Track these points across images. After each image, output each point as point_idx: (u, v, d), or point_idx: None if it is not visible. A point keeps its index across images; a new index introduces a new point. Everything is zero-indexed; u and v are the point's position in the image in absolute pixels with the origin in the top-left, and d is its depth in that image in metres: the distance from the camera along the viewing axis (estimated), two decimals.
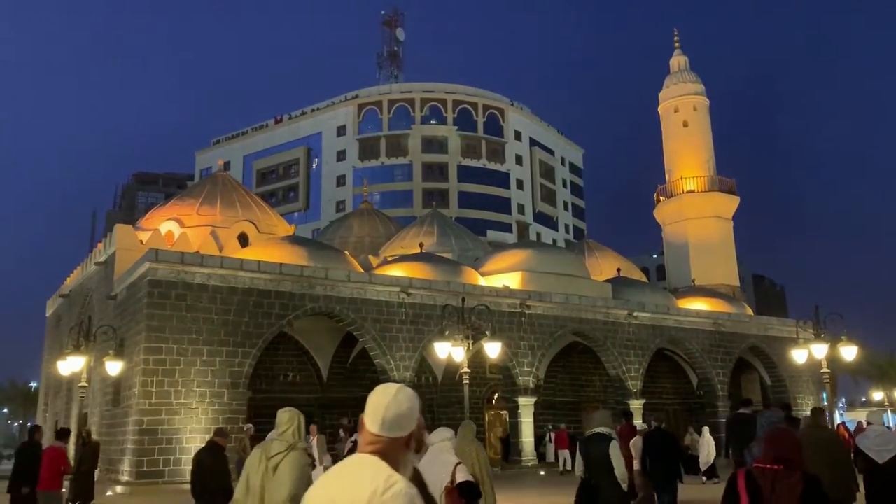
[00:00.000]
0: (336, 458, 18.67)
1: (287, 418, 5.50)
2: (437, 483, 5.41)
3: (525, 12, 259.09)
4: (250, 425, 20.11)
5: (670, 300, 34.38)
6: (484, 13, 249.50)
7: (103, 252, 27.32)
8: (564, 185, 79.15)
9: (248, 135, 76.64)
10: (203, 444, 9.45)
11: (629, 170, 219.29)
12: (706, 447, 21.53)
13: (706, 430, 22.81)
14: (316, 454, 20.40)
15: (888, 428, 9.32)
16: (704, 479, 20.64)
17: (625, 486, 7.50)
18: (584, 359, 32.91)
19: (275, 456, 5.27)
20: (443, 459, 5.70)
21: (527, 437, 26.90)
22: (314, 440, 20.86)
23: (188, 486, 9.25)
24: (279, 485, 5.15)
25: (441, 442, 5.88)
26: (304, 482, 5.12)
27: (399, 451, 2.48)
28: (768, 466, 3.69)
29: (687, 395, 36.39)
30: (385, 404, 2.47)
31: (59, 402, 31.36)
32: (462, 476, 5.67)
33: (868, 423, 9.34)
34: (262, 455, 5.34)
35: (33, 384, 56.33)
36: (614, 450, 7.44)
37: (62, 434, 12.01)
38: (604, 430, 7.70)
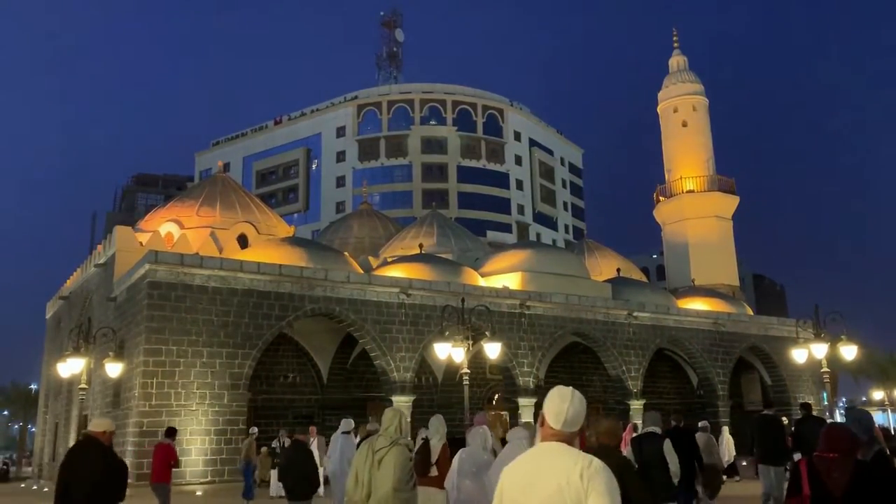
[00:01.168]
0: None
1: (390, 417, 6.21)
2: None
3: (524, 13, 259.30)
4: (255, 428, 20.17)
5: (670, 300, 34.39)
6: (483, 14, 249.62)
7: (103, 254, 27.31)
8: (564, 185, 79.18)
9: (247, 136, 76.67)
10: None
11: (629, 170, 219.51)
12: (726, 446, 21.68)
13: (726, 429, 23.04)
14: (316, 455, 20.48)
15: None
16: (725, 476, 20.76)
17: (676, 481, 8.11)
18: (585, 359, 32.91)
19: (380, 450, 5.94)
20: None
21: None
22: (314, 441, 20.94)
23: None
24: (384, 476, 5.82)
25: (518, 440, 7.04)
26: (407, 473, 5.92)
27: (574, 441, 3.12)
28: (826, 455, 4.42)
29: (687, 394, 36.38)
30: (566, 407, 3.11)
31: (59, 403, 31.35)
32: None
33: None
34: (369, 450, 6.01)
35: (33, 386, 56.28)
36: (668, 447, 8.04)
37: (170, 433, 13.45)
38: (656, 429, 8.42)
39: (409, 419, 5.89)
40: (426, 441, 9.35)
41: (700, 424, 15.90)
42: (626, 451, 8.82)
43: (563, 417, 3.09)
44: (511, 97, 74.92)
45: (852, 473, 4.30)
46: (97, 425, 6.69)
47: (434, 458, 8.47)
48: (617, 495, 2.91)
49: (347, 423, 12.85)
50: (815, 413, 14.52)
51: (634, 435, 9.60)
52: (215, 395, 20.73)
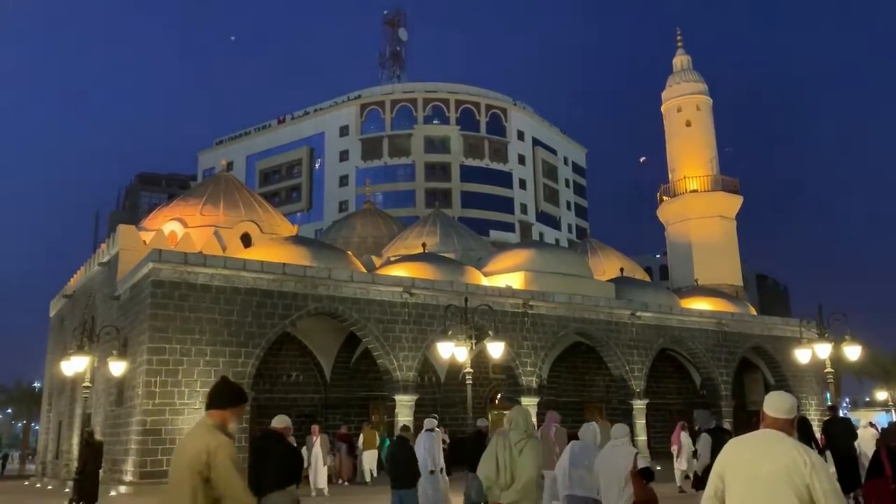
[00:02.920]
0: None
1: (519, 414, 7.24)
2: (623, 466, 7.69)
3: (527, 12, 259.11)
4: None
5: (673, 300, 34.34)
6: (486, 13, 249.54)
7: (106, 252, 27.34)
8: (567, 184, 79.11)
9: (250, 135, 76.72)
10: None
11: (632, 169, 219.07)
12: None
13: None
14: (319, 453, 20.51)
15: None
16: None
17: (701, 473, 9.12)
18: (588, 359, 32.88)
19: (518, 442, 6.94)
20: (625, 450, 7.84)
21: None
22: (317, 440, 20.96)
23: None
24: (525, 464, 6.80)
25: (621, 438, 8.01)
26: (540, 462, 7.01)
27: (790, 429, 4.03)
28: None
29: (690, 394, 36.34)
30: (784, 398, 4.15)
31: (62, 402, 31.40)
32: (641, 463, 7.82)
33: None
34: (506, 442, 6.99)
35: (37, 384, 56.42)
36: (703, 443, 9.12)
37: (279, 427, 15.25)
38: (727, 425, 9.20)
39: (530, 417, 7.58)
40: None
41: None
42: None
43: (785, 407, 4.07)
44: (514, 96, 74.92)
45: None
46: (279, 421, 8.24)
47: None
48: (836, 484, 3.82)
49: (431, 422, 13.56)
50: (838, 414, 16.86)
51: (711, 427, 10.31)
52: None
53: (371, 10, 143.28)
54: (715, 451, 8.31)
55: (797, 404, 4.22)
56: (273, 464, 7.52)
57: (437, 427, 13.90)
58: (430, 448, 12.87)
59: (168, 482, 4.35)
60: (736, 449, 4.04)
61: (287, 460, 7.71)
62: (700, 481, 8.93)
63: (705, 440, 8.95)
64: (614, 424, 8.43)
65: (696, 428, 18.60)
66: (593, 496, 8.19)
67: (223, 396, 4.53)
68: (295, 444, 8.81)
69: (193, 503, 4.08)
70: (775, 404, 4.08)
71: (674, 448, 20.49)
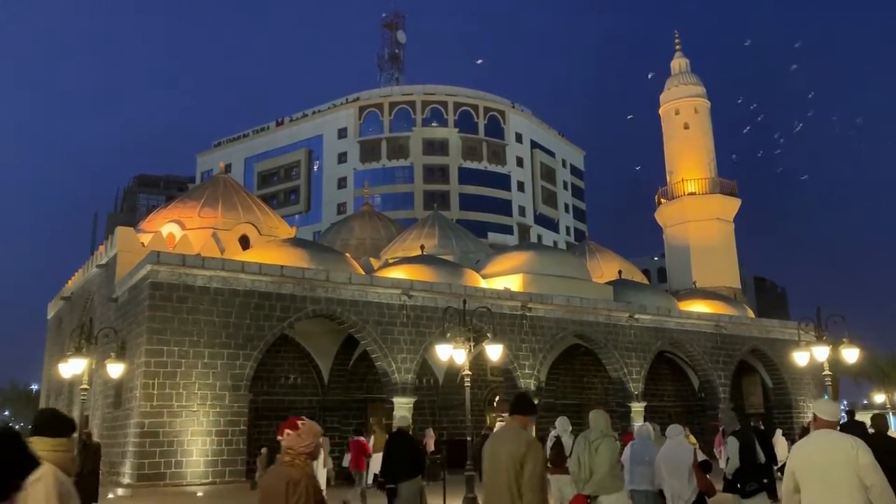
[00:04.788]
0: None
1: (597, 416, 8.28)
2: (686, 460, 8.95)
3: (526, 14, 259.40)
4: (265, 449, 20.14)
5: (672, 302, 34.36)
6: (485, 15, 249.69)
7: (104, 254, 27.33)
8: (565, 187, 79.17)
9: (249, 137, 76.70)
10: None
11: (630, 172, 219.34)
12: (782, 449, 22.19)
13: (779, 431, 23.56)
14: (321, 456, 20.52)
15: None
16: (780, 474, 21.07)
17: (730, 475, 9.19)
18: (586, 361, 32.88)
19: (594, 441, 7.93)
20: (686, 447, 9.27)
21: None
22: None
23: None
24: (601, 460, 7.79)
25: (677, 436, 9.29)
26: (616, 458, 8.09)
27: (835, 427, 5.23)
28: None
29: (688, 397, 36.35)
30: (832, 405, 5.32)
31: (60, 404, 31.35)
32: (701, 456, 9.29)
33: None
34: (585, 440, 8.06)
35: (34, 386, 56.36)
36: (731, 445, 9.17)
37: (359, 432, 17.52)
38: (760, 426, 9.93)
39: (609, 419, 8.82)
40: (558, 439, 12.20)
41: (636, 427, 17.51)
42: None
43: (833, 411, 5.26)
44: (513, 99, 74.96)
45: None
46: (402, 421, 10.31)
47: (567, 452, 11.05)
48: (874, 460, 4.86)
49: (563, 421, 13.95)
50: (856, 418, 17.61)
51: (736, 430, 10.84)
52: (216, 396, 20.73)
53: (369, 12, 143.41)
54: (743, 452, 8.77)
55: (839, 409, 5.33)
56: (402, 457, 9.20)
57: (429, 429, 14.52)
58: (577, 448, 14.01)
59: (489, 469, 5.48)
60: (804, 449, 5.16)
61: (414, 455, 9.36)
62: (731, 484, 8.96)
63: (732, 443, 9.00)
64: (670, 425, 9.73)
65: (721, 430, 18.82)
66: (655, 489, 9.23)
67: (529, 406, 5.75)
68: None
69: (510, 485, 5.22)
70: (827, 410, 5.24)
71: (717, 450, 21.68)
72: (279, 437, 4.36)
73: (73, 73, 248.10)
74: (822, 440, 5.06)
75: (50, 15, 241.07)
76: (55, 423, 3.73)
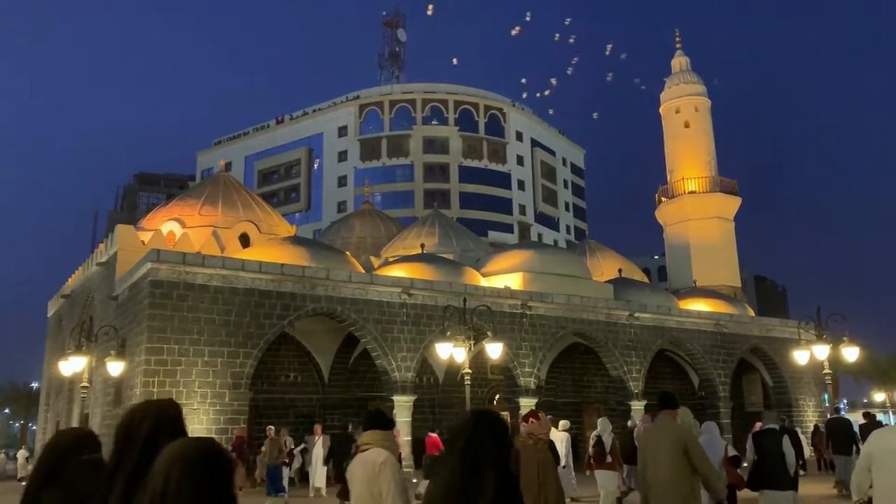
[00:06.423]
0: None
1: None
2: (719, 455, 9.30)
3: (526, 13, 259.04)
4: (265, 448, 19.97)
5: (672, 301, 34.34)
6: (485, 14, 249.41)
7: (105, 252, 27.32)
8: (566, 185, 79.14)
9: (249, 135, 76.67)
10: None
11: (630, 171, 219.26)
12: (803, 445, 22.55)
13: (799, 430, 23.76)
14: (320, 453, 20.51)
15: None
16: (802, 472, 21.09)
17: (792, 472, 9.26)
18: (586, 360, 32.87)
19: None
20: (720, 442, 9.76)
21: None
22: (318, 440, 20.97)
23: None
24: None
25: (712, 433, 9.79)
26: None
27: None
28: None
29: (688, 395, 36.32)
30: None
31: (60, 402, 31.37)
32: (731, 452, 9.85)
33: None
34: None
35: (34, 385, 56.36)
36: (786, 443, 9.28)
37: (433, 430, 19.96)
38: (775, 426, 9.81)
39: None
40: (599, 437, 13.36)
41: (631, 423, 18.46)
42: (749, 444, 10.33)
43: None
44: (513, 97, 74.93)
45: None
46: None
47: (608, 449, 12.85)
48: None
49: (604, 422, 14.91)
50: (868, 418, 19.17)
51: (754, 430, 11.11)
52: (217, 394, 20.74)
53: (370, 10, 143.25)
54: (757, 451, 9.27)
55: None
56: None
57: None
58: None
59: (650, 455, 6.54)
60: (882, 435, 5.78)
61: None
62: (749, 481, 9.48)
63: (749, 443, 9.68)
64: (705, 422, 10.27)
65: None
66: None
67: (675, 401, 6.82)
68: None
69: (675, 465, 6.19)
70: None
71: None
72: (523, 424, 6.84)
73: (73, 72, 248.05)
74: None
75: (51, 13, 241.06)
76: (384, 420, 4.80)
